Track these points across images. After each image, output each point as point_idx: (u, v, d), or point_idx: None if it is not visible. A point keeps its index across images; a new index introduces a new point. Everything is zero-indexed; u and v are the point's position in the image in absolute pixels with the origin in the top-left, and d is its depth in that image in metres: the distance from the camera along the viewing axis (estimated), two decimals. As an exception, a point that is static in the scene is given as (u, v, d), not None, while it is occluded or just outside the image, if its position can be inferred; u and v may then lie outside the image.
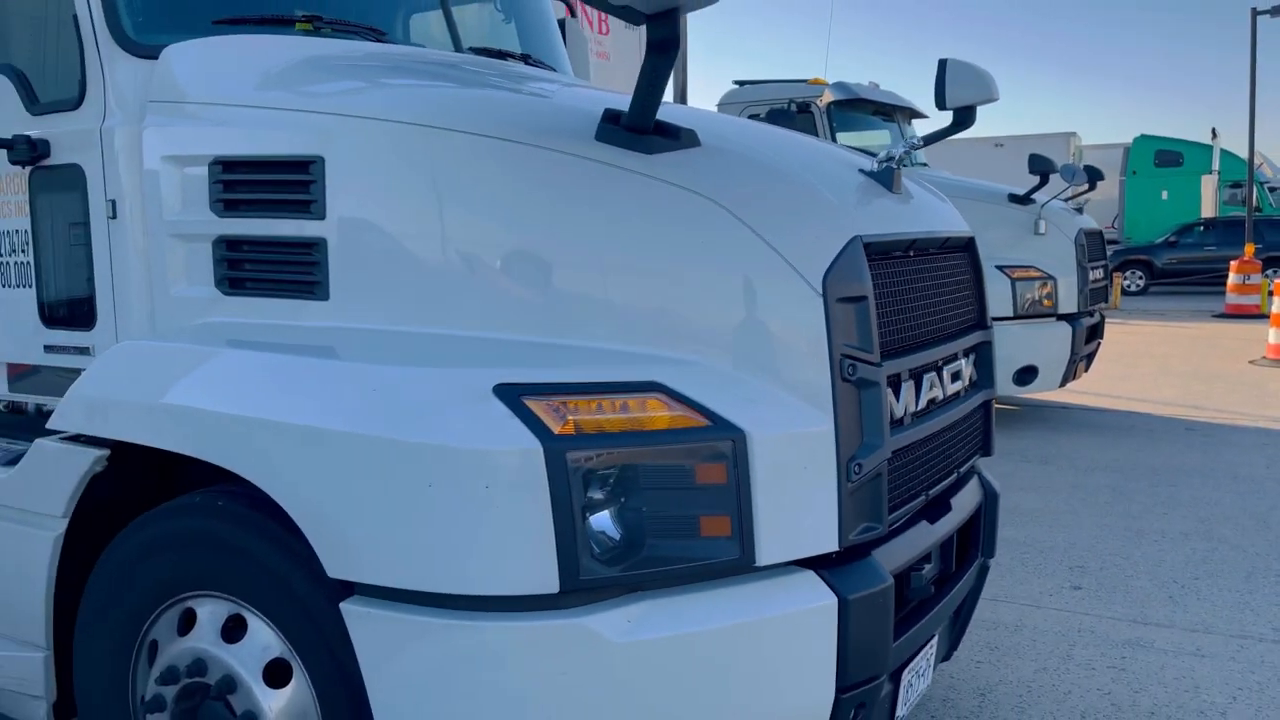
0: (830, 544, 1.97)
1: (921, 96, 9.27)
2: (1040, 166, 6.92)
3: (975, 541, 2.70)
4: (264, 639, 2.07)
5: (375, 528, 1.83)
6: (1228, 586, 4.20)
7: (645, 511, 1.83)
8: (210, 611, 2.15)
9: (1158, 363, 10.98)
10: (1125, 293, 20.42)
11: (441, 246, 2.07)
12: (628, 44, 10.42)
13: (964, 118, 3.14)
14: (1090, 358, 7.98)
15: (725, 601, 1.90)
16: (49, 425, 2.29)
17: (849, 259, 1.99)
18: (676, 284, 1.96)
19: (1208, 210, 24.11)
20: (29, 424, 2.75)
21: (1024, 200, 7.30)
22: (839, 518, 1.97)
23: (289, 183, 2.21)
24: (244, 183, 2.28)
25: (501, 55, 3.16)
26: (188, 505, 2.20)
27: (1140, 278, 22.11)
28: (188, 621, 2.18)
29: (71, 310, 2.57)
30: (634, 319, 1.96)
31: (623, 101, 2.20)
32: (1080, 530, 4.97)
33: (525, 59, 3.25)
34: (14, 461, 2.44)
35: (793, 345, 1.96)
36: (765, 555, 1.89)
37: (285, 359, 2.07)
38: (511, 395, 1.82)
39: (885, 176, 2.36)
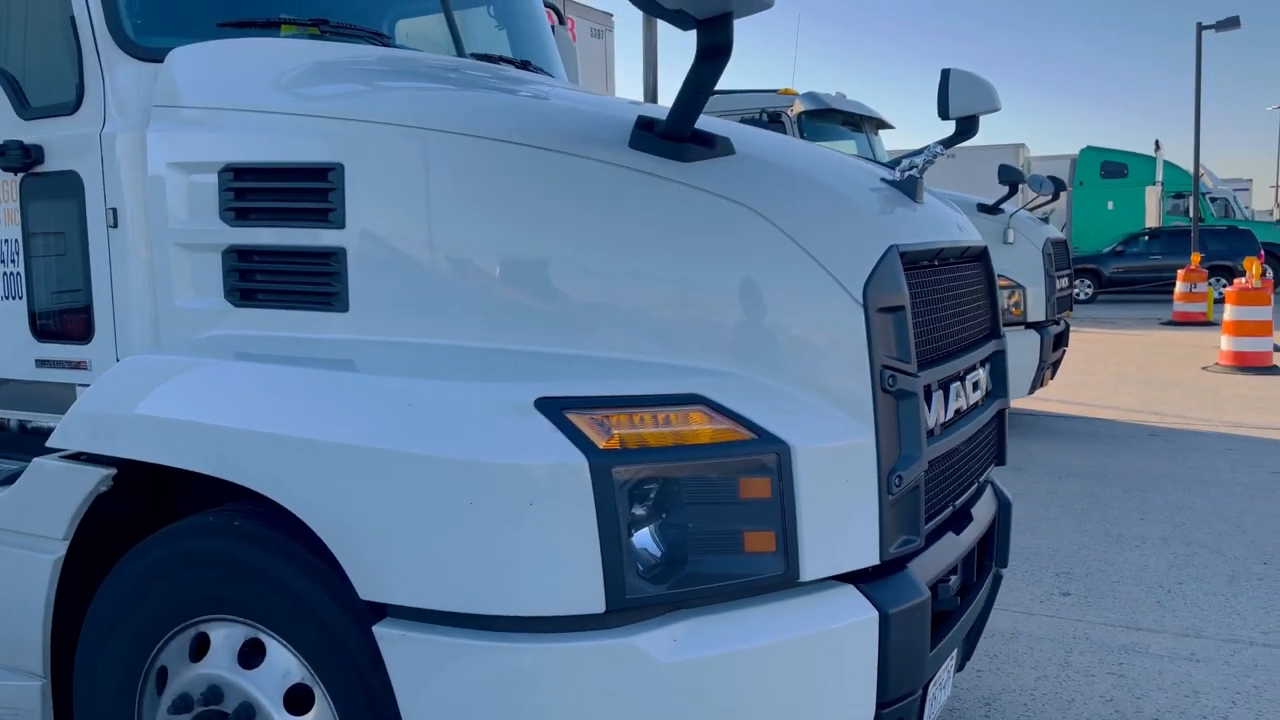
0: (871, 558, 1.95)
1: (883, 107, 9.37)
2: (1009, 177, 7.02)
3: (990, 552, 2.69)
4: (284, 664, 2.00)
5: (413, 548, 1.77)
6: (1212, 590, 4.27)
7: (690, 527, 1.79)
8: (226, 636, 2.06)
9: (1114, 370, 11.19)
10: (1075, 301, 20.80)
11: (472, 257, 2.01)
12: (593, 53, 10.40)
13: (967, 126, 3.14)
14: (1056, 365, 8.10)
15: (768, 618, 1.86)
16: (50, 444, 2.19)
17: (887, 268, 1.98)
18: (715, 294, 1.92)
19: (1152, 220, 24.72)
20: (9, 441, 2.63)
21: (993, 210, 7.40)
22: (880, 531, 1.94)
23: (307, 190, 2.14)
24: (258, 190, 2.20)
25: (502, 61, 3.11)
26: (201, 525, 2.11)
27: (1089, 286, 22.56)
28: (201, 647, 2.09)
29: (66, 323, 2.47)
30: (672, 330, 1.92)
31: (642, 109, 2.17)
32: (1062, 537, 5.02)
33: (525, 65, 3.20)
34: (6, 481, 2.33)
35: (833, 356, 1.93)
36: (809, 571, 1.86)
37: (311, 373, 1.99)
38: (554, 409, 1.77)
39: (909, 186, 2.34)
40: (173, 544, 2.12)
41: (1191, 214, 20.59)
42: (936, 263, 2.31)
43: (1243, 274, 19.44)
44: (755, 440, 1.82)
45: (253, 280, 2.23)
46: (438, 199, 2.03)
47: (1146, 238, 23.02)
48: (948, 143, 3.15)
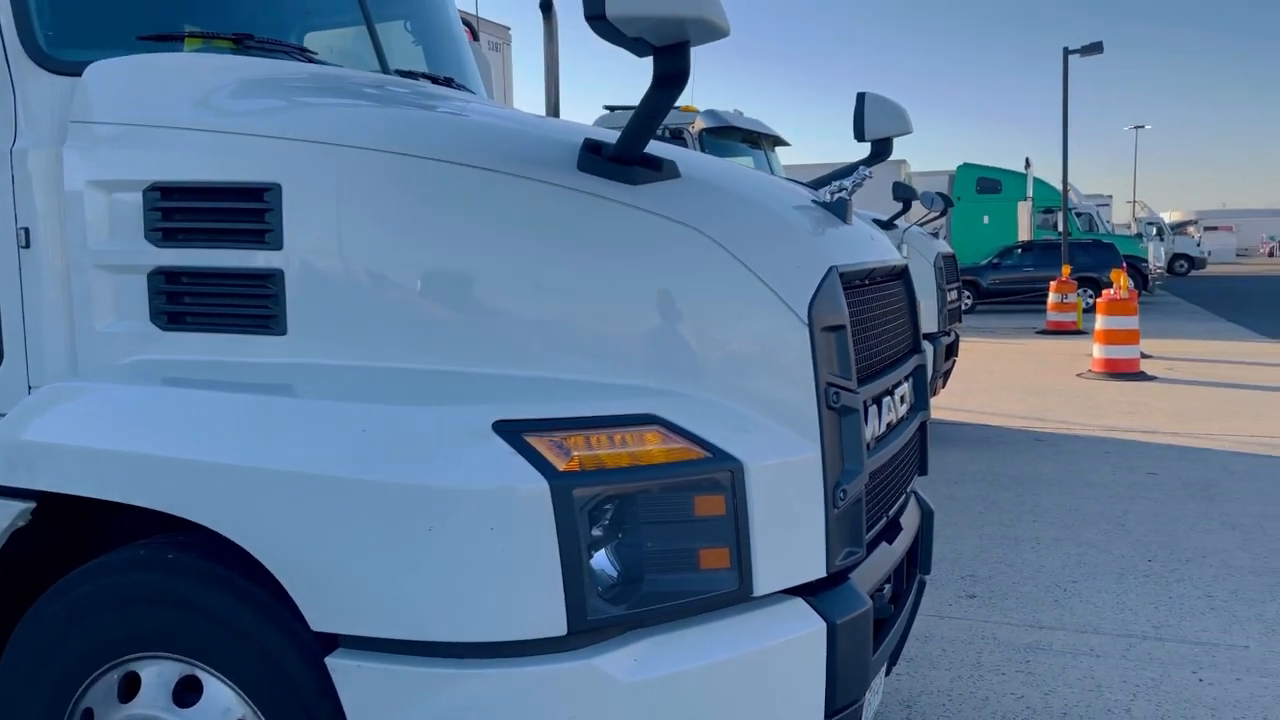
0: (819, 570, 2.00)
1: (775, 124, 9.60)
2: (903, 194, 7.27)
3: (916, 559, 2.79)
4: (224, 700, 1.93)
5: (368, 577, 1.73)
6: (1103, 588, 4.50)
7: (647, 547, 1.81)
8: (158, 673, 1.98)
9: (997, 378, 11.68)
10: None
11: (418, 278, 1.98)
12: (492, 67, 10.34)
13: (882, 149, 3.27)
14: (948, 374, 8.42)
15: (723, 634, 1.89)
16: (-41, 478, 2.06)
17: (829, 289, 2.04)
18: (665, 315, 1.95)
19: (1024, 234, 25.92)
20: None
21: (887, 225, 7.65)
22: (826, 544, 2.00)
23: (242, 211, 2.08)
24: (189, 210, 2.12)
25: (427, 78, 3.08)
26: (130, 560, 2.02)
27: (969, 297, 23.50)
28: (130, 687, 2.01)
29: (-31, 348, 2.33)
30: (625, 351, 1.94)
31: (588, 131, 2.18)
32: (964, 541, 5.22)
33: (448, 82, 3.17)
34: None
35: (781, 374, 1.98)
36: (761, 585, 1.90)
37: (253, 398, 1.94)
38: (512, 432, 1.77)
39: (840, 208, 2.42)
40: (99, 580, 2.02)
41: (1060, 228, 21.68)
42: (867, 282, 2.39)
43: (1108, 285, 20.60)
44: (709, 459, 1.85)
45: (182, 303, 2.15)
46: (383, 220, 2.00)
47: (1020, 250, 24.13)
48: (867, 163, 3.27)
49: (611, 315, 1.95)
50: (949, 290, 8.16)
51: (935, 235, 8.66)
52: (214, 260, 2.11)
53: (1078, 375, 11.69)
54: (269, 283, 2.07)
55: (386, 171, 2.00)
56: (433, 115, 2.27)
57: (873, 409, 2.28)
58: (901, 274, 2.79)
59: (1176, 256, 45.30)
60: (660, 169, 2.01)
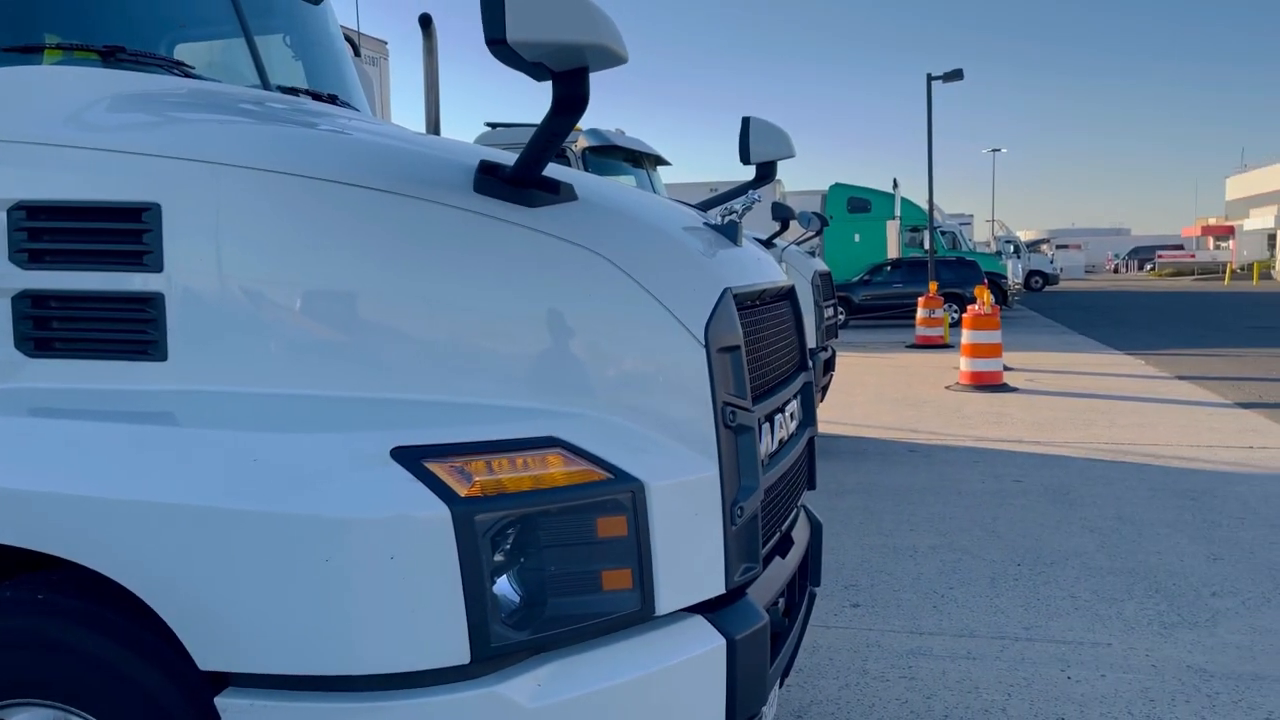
0: (718, 587, 2.03)
1: (656, 145, 9.72)
2: (781, 214, 7.46)
3: (807, 572, 2.86)
4: (102, 748, 1.83)
5: (262, 612, 1.68)
6: (978, 592, 4.70)
7: (551, 570, 1.80)
8: (26, 723, 1.86)
9: (872, 391, 12.08)
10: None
11: (311, 302, 1.93)
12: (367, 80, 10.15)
13: (766, 172, 3.36)
14: (826, 388, 8.66)
15: (626, 655, 1.90)
16: None
17: (724, 310, 2.08)
18: (564, 338, 1.95)
19: (893, 251, 26.92)
20: None
21: (766, 244, 7.84)
22: (725, 561, 2.03)
23: (119, 232, 1.98)
24: (59, 231, 2.01)
25: (309, 95, 3.01)
26: (-5, 602, 1.90)
27: (842, 313, 24.25)
28: (-3, 738, 1.88)
29: None
30: (525, 373, 1.93)
31: (483, 153, 2.18)
32: (846, 552, 5.37)
33: (333, 99, 3.11)
34: None
35: (679, 395, 2.01)
36: (663, 604, 1.92)
37: (133, 428, 1.85)
38: (411, 459, 1.74)
39: (731, 231, 2.47)
40: (-41, 625, 1.89)
41: (927, 246, 22.60)
42: (758, 303, 2.45)
43: (972, 300, 21.49)
44: (611, 480, 1.86)
45: (51, 328, 2.04)
46: (271, 242, 1.94)
47: (889, 268, 25.05)
48: (753, 186, 3.35)
49: (511, 338, 1.94)
50: (826, 307, 8.41)
51: (812, 254, 8.91)
52: (87, 283, 2.01)
53: (946, 388, 12.18)
54: (148, 306, 1.98)
55: (274, 192, 1.94)
56: (319, 133, 2.22)
57: (766, 426, 2.33)
58: (789, 294, 2.86)
59: (1032, 273, 47.77)
60: (558, 192, 2.02)
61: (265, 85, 2.85)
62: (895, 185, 27.77)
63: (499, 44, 1.60)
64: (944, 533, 5.75)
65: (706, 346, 2.01)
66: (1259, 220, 72.00)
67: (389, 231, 1.93)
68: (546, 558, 1.80)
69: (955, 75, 19.89)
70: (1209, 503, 6.33)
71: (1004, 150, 73.06)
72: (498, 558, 1.76)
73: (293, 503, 1.68)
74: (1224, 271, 62.42)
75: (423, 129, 8.22)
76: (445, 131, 6.13)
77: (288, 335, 1.91)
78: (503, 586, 1.78)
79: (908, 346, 18.29)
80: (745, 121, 3.35)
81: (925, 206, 27.43)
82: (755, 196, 2.58)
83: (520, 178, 1.95)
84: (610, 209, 2.13)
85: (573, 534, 1.83)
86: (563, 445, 1.86)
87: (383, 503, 1.68)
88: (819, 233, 8.67)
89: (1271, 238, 70.02)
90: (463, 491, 1.72)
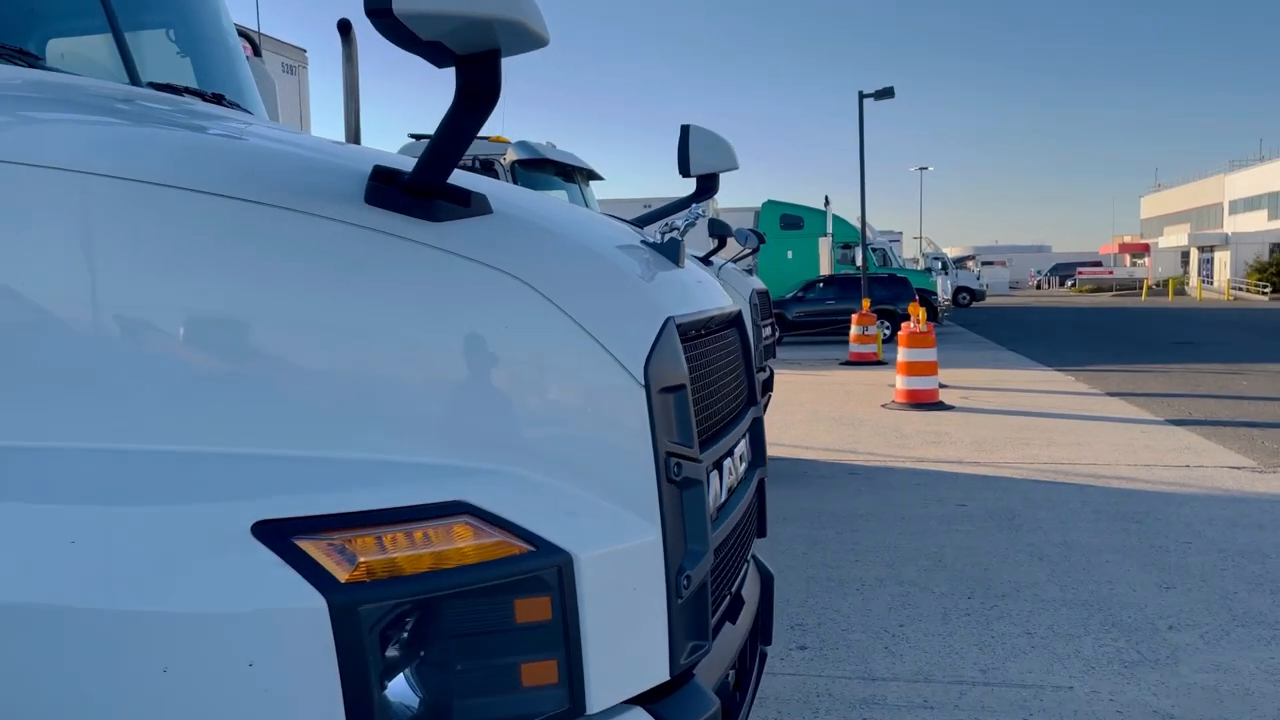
0: (661, 673, 1.71)
1: (586, 160, 9.43)
2: (718, 231, 7.21)
3: (756, 631, 2.56)
4: None
5: (81, 736, 1.31)
6: (930, 630, 4.45)
7: (458, 667, 1.47)
8: None
9: (808, 410, 11.90)
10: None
11: (147, 333, 1.57)
12: (286, 91, 9.68)
13: (708, 185, 3.07)
14: (764, 409, 8.41)
15: (552, 763, 1.57)
16: None
17: (667, 343, 1.77)
18: (475, 379, 1.62)
19: (825, 269, 27.03)
20: None
21: (704, 262, 7.58)
22: (670, 641, 1.71)
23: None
24: None
25: (187, 93, 2.63)
26: None
27: (775, 330, 24.22)
28: None
29: None
30: (426, 422, 1.59)
31: (377, 158, 1.84)
32: (790, 587, 5.09)
33: (218, 99, 2.73)
34: None
35: (614, 445, 1.69)
36: (596, 700, 1.59)
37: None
38: (279, 536, 1.39)
39: (672, 250, 2.17)
40: None
41: (860, 263, 22.67)
42: (704, 332, 2.15)
43: (904, 317, 21.54)
44: (532, 552, 1.53)
45: None
46: (100, 261, 1.57)
47: (822, 284, 25.09)
48: (695, 200, 3.05)
49: (408, 379, 1.60)
50: (764, 326, 8.18)
51: (749, 272, 8.69)
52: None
53: (883, 406, 12.06)
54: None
55: (113, 202, 1.58)
56: (177, 134, 1.86)
57: (714, 474, 2.02)
58: (736, 320, 2.57)
59: (959, 289, 48.61)
60: (468, 203, 1.69)
61: (134, 81, 2.47)
62: (827, 203, 27.91)
63: (383, 15, 1.27)
64: (890, 563, 5.51)
65: (647, 387, 1.69)
66: (1173, 238, 74.55)
67: (255, 250, 1.57)
68: (453, 651, 1.46)
69: (887, 93, 20.00)
70: (1153, 526, 6.20)
71: (930, 169, 74.37)
72: (391, 653, 1.42)
73: (122, 597, 1.31)
74: (1141, 288, 64.33)
75: (343, 139, 7.73)
76: (367, 144, 5.73)
77: (119, 375, 1.54)
78: (398, 688, 1.43)
79: (841, 363, 18.23)
80: (685, 131, 3.06)
81: (856, 224, 27.60)
82: (699, 211, 2.28)
83: (421, 186, 1.61)
84: (532, 225, 1.80)
85: (485, 621, 1.49)
86: (472, 511, 1.52)
87: (239, 595, 1.33)
88: (755, 250, 8.45)
89: (1185, 255, 72.50)
90: (344, 576, 1.38)
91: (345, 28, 6.74)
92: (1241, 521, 6.29)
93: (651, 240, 2.19)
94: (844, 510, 6.78)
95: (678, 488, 1.74)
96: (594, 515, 1.64)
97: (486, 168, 7.68)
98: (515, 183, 7.81)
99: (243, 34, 3.47)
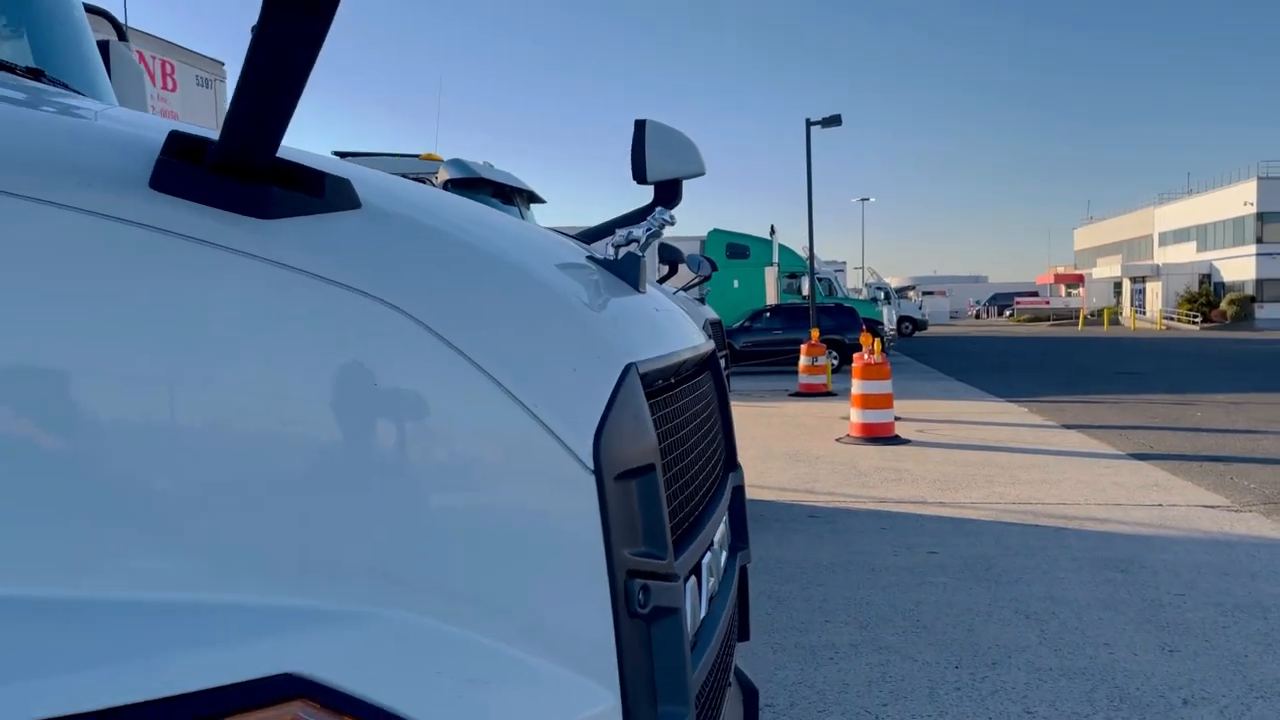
0: None
1: (529, 181, 8.86)
2: (670, 256, 6.68)
3: (739, 766, 1.97)
4: None
5: None
6: (917, 711, 3.89)
7: None
8: None
9: (761, 445, 11.37)
10: (712, 374, 21.75)
11: None
12: (201, 105, 8.98)
13: (669, 194, 2.51)
14: (718, 449, 7.87)
15: None
16: None
17: (628, 403, 1.19)
18: (329, 467, 1.02)
19: (771, 298, 26.71)
20: None
21: (652, 290, 7.03)
22: None
23: None
24: None
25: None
26: None
27: (728, 363, 23.80)
28: None
29: None
30: (247, 538, 0.99)
31: (192, 128, 1.24)
32: (756, 656, 4.50)
33: (38, 75, 2.10)
34: None
35: (547, 566, 1.10)
36: None
37: None
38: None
39: (630, 270, 1.59)
40: None
41: (806, 293, 22.36)
42: (674, 381, 1.57)
43: (853, 347, 21.26)
44: (406, 757, 0.93)
45: None
46: None
47: (769, 314, 24.74)
48: (664, 205, 2.48)
49: (225, 468, 0.99)
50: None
51: (701, 300, 8.16)
52: None
53: (838, 440, 11.59)
54: None
55: None
56: None
57: (691, 584, 1.44)
58: (710, 361, 2.00)
59: (902, 319, 48.87)
60: (320, 192, 1.09)
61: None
62: (773, 232, 27.66)
63: None
64: (864, 624, 4.95)
65: (598, 472, 1.11)
66: (1106, 269, 76.26)
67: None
68: None
69: (833, 121, 19.78)
70: (1140, 576, 5.75)
71: (872, 200, 75.30)
72: None
73: None
74: (1078, 317, 65.48)
75: None
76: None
77: None
78: None
79: (791, 394, 17.81)
80: (640, 128, 2.50)
81: (801, 253, 27.38)
82: (665, 217, 1.71)
83: (237, 161, 1.01)
84: (422, 228, 1.21)
85: None
86: (309, 691, 0.92)
87: None
88: (708, 278, 7.93)
89: (1117, 285, 74.12)
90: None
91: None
92: (1232, 570, 5.86)
93: (603, 256, 1.62)
94: (808, 560, 6.22)
95: (644, 622, 1.16)
96: (515, 682, 1.04)
97: (417, 187, 7.06)
98: (448, 204, 7.21)
99: (98, 12, 2.85)
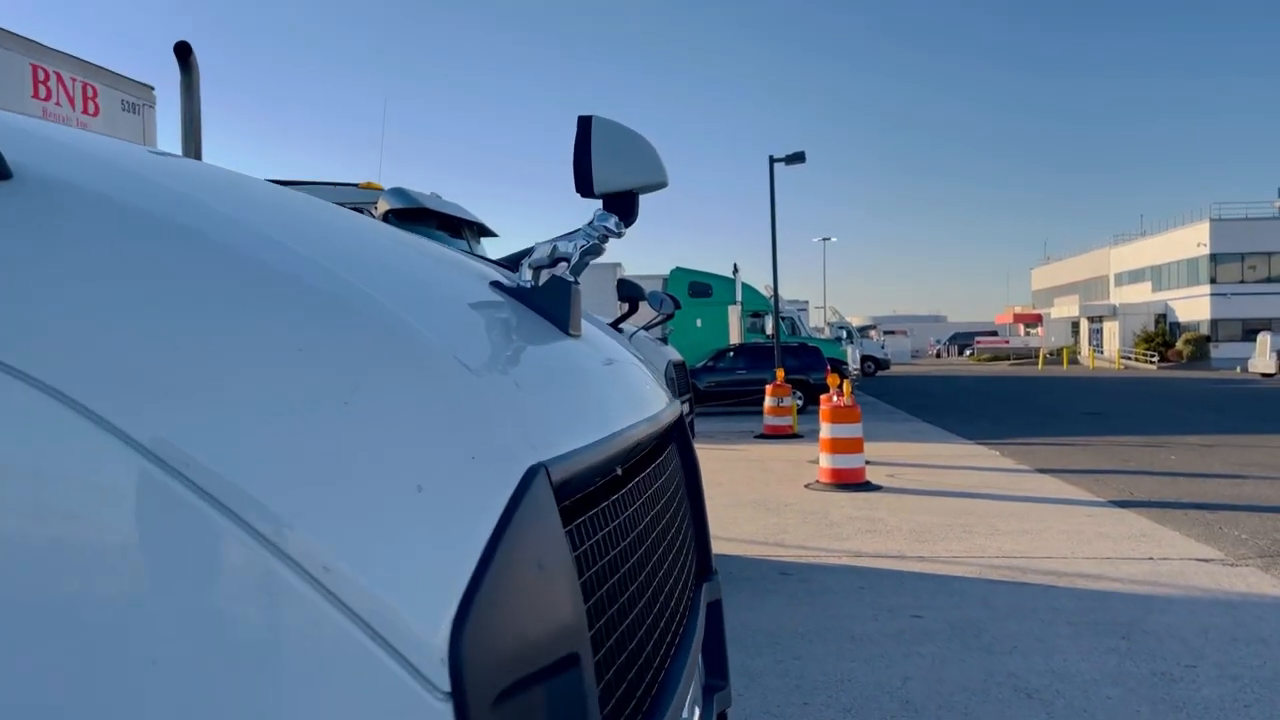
0: None
1: (482, 213, 8.31)
2: (630, 293, 6.15)
3: None
4: None
5: None
6: (917, 820, 3.33)
7: None
8: None
9: (727, 492, 10.83)
10: (675, 415, 21.20)
11: None
12: (128, 130, 8.36)
13: (624, 207, 1.98)
14: (682, 501, 7.31)
15: None
16: None
17: (525, 545, 0.64)
18: None
19: (735, 337, 26.32)
20: None
21: (612, 329, 6.50)
22: None
23: None
24: None
25: None
26: None
27: (692, 407, 23.29)
28: None
29: None
30: None
31: None
32: (727, 749, 3.92)
33: None
34: None
35: None
36: None
37: None
38: None
39: (555, 302, 1.05)
40: None
41: (770, 332, 21.98)
42: (623, 475, 1.02)
43: (818, 387, 20.81)
44: None
45: None
46: None
47: (732, 354, 24.31)
48: (623, 220, 1.95)
49: None
50: (682, 403, 7.12)
51: (664, 340, 7.64)
52: None
53: (807, 486, 11.08)
54: None
55: None
56: None
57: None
58: (677, 430, 1.45)
59: (864, 358, 48.79)
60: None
61: None
62: (735, 270, 27.32)
63: None
64: (849, 707, 4.39)
65: (459, 696, 0.56)
66: (1064, 309, 77.12)
67: None
68: None
69: (797, 158, 19.51)
70: (1144, 644, 5.25)
71: (833, 239, 75.68)
72: None
73: None
74: (1038, 357, 65.95)
75: None
76: None
77: None
78: None
79: (756, 436, 17.32)
80: (584, 126, 1.97)
81: (763, 291, 27.05)
82: (610, 224, 1.17)
83: None
84: (118, 218, 0.65)
85: None
86: None
87: None
88: (670, 316, 7.42)
89: (1075, 325, 74.96)
90: None
91: (184, 51, 5.42)
92: (1240, 635, 5.39)
93: (516, 282, 1.07)
94: (781, 627, 5.66)
95: None
96: None
97: (354, 217, 6.47)
98: (389, 236, 6.63)
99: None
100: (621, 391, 1.10)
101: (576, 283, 1.09)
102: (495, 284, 1.06)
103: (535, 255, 1.10)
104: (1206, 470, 12.19)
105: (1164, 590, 6.38)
